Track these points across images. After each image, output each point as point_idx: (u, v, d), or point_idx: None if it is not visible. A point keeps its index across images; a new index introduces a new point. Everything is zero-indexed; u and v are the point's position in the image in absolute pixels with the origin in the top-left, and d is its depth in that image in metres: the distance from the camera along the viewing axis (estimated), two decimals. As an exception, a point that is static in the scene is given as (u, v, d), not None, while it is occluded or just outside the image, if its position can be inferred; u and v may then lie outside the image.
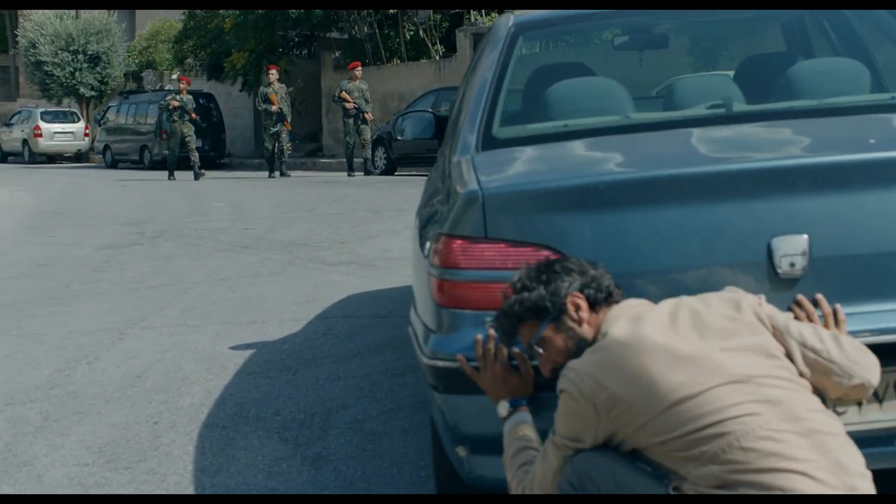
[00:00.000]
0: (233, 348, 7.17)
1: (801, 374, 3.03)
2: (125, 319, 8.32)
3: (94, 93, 43.16)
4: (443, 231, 3.56)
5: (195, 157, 25.79)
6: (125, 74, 44.07)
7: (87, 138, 42.43)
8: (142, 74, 42.73)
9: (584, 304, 3.21)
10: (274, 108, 24.86)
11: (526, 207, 3.45)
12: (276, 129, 25.07)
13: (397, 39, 30.47)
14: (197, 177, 25.24)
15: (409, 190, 17.40)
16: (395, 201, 15.90)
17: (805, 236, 3.30)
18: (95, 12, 43.53)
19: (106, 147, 36.92)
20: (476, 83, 4.37)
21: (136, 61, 43.22)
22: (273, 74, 25.35)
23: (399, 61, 29.50)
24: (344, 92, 23.70)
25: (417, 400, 5.74)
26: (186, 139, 25.90)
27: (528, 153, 3.94)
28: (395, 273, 9.56)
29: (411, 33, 31.04)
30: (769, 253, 3.33)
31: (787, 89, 4.34)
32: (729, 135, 3.90)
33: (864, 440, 3.34)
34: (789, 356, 3.04)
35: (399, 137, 6.16)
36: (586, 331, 3.19)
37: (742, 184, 3.37)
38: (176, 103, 26.14)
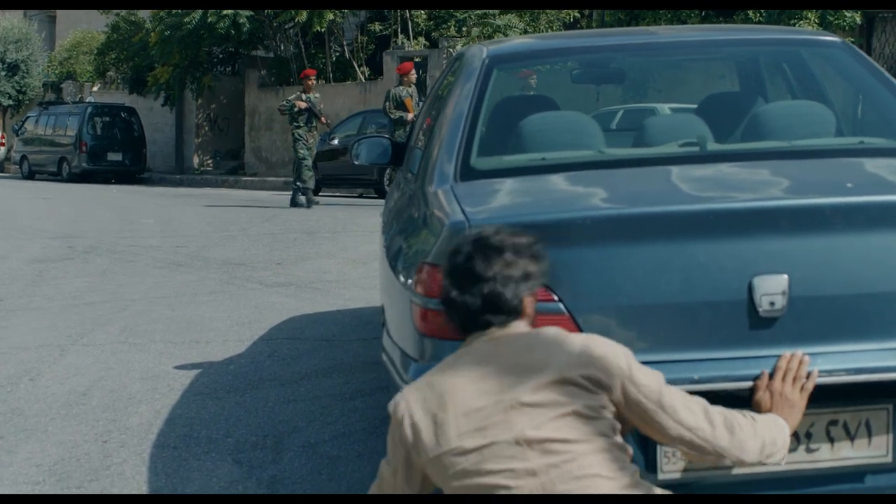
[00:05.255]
0: (178, 368, 7.13)
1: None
2: (65, 335, 8.24)
3: (11, 102, 42.55)
4: (427, 261, 3.59)
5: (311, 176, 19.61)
6: (44, 84, 43.50)
7: (2, 148, 41.84)
8: (61, 85, 42.20)
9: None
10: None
11: None
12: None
13: (323, 59, 30.45)
14: (310, 204, 19.25)
15: (339, 212, 17.42)
16: (327, 222, 15.89)
17: (785, 276, 3.38)
18: (14, 20, 42.94)
19: (23, 157, 36.42)
20: (451, 113, 4.41)
21: (56, 72, 42.67)
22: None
23: (324, 81, 29.49)
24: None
25: (371, 424, 5.76)
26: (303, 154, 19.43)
27: (510, 185, 3.99)
28: (334, 296, 9.57)
29: (337, 54, 31.05)
30: (750, 291, 3.41)
31: (757, 130, 4.44)
32: (708, 174, 3.98)
33: (834, 477, 3.45)
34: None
35: (356, 162, 6.18)
36: None
37: (725, 223, 3.45)
38: (303, 104, 19.46)
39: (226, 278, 10.84)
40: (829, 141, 4.35)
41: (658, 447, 3.40)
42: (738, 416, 3.17)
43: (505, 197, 3.94)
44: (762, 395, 3.35)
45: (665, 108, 7.93)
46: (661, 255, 3.44)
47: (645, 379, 3.09)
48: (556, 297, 3.45)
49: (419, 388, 3.15)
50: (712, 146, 4.34)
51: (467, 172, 4.09)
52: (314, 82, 20.14)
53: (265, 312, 8.95)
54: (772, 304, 3.40)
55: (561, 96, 5.29)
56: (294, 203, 19.25)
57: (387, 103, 18.27)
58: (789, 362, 3.39)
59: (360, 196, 19.25)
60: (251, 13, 28.96)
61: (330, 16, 28.10)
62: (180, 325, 8.61)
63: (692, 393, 3.17)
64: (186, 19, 29.36)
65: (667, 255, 3.44)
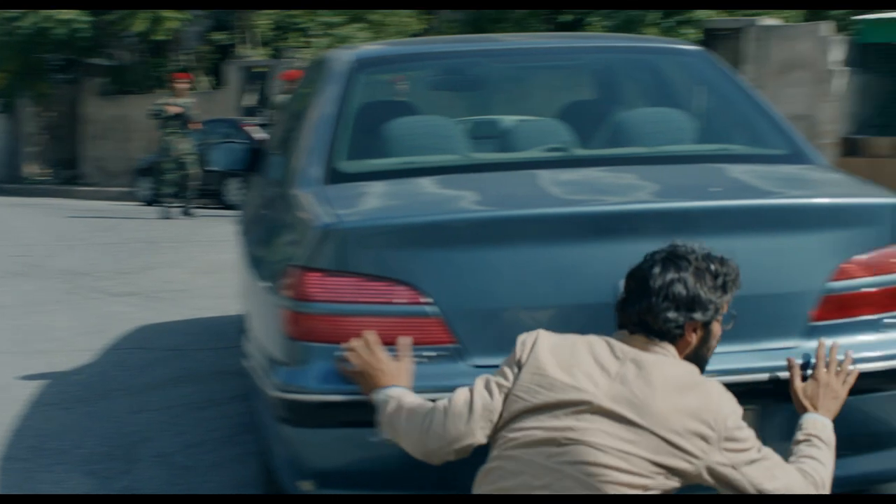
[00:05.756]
0: (23, 378, 6.91)
1: None
2: None
3: None
4: (297, 263, 3.54)
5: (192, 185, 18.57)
6: None
7: None
8: None
9: None
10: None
11: (384, 242, 3.48)
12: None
13: (165, 68, 29.98)
14: (188, 212, 18.28)
15: (181, 222, 17.12)
16: (170, 232, 15.59)
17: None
18: None
19: None
20: (317, 116, 4.36)
21: None
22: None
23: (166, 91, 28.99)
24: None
25: (224, 434, 5.67)
26: (183, 160, 18.28)
27: (379, 188, 3.96)
28: (182, 305, 9.39)
29: (179, 63, 30.60)
30: (617, 294, 3.43)
31: (619, 136, 4.49)
32: (577, 177, 4.01)
33: None
34: None
35: (212, 167, 6.08)
36: None
37: (594, 225, 3.49)
38: (176, 109, 18.23)
39: (69, 288, 10.55)
40: (692, 147, 4.42)
41: None
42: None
43: (375, 199, 3.92)
44: (807, 385, 3.33)
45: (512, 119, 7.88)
46: (532, 258, 3.46)
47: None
48: (429, 300, 3.44)
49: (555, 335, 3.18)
50: (578, 151, 4.38)
51: (335, 175, 4.05)
52: (186, 86, 19.35)
53: (111, 322, 8.73)
54: (638, 306, 3.43)
55: (431, 102, 5.34)
56: (164, 214, 17.99)
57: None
58: (831, 351, 3.38)
59: (204, 207, 18.93)
60: (91, 18, 28.36)
61: (171, 24, 27.69)
62: (24, 334, 8.37)
63: None
64: (21, 24, 28.60)
65: (538, 257, 3.46)
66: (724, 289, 3.14)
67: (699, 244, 3.18)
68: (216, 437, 5.65)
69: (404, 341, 3.41)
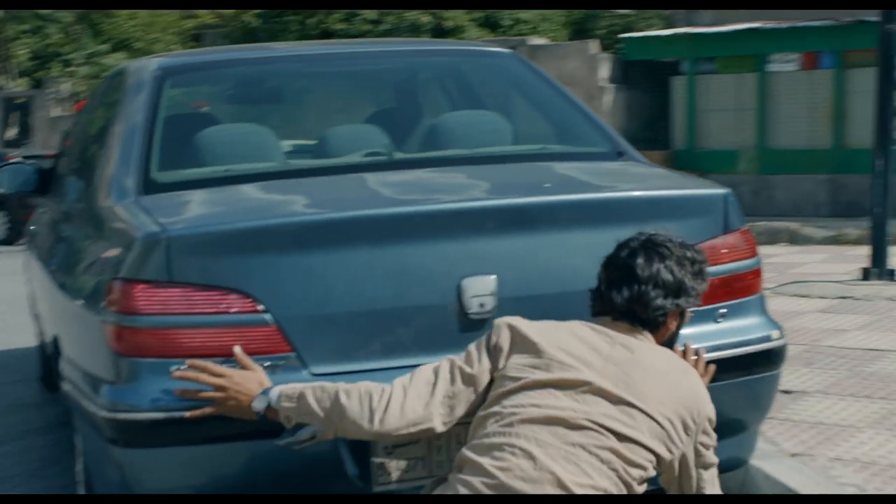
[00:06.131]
0: None
1: None
2: None
3: None
4: (120, 276, 3.36)
5: None
6: None
7: None
8: None
9: None
10: None
11: (213, 250, 3.34)
12: None
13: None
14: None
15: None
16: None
17: (493, 277, 3.38)
18: None
19: None
20: (124, 127, 4.18)
21: None
22: None
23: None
24: None
25: (28, 468, 5.38)
26: None
27: (201, 196, 3.80)
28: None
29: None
30: (459, 293, 3.39)
31: (436, 140, 4.44)
32: (404, 179, 3.94)
33: None
34: None
35: (1, 191, 5.78)
36: None
37: (431, 225, 3.43)
38: None
39: None
40: (513, 147, 4.41)
41: (372, 459, 3.30)
42: None
43: (199, 207, 3.76)
44: None
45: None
46: (367, 261, 3.37)
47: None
48: (262, 308, 3.31)
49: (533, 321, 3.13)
50: (399, 155, 4.32)
51: (150, 186, 3.88)
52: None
53: None
54: (481, 305, 3.39)
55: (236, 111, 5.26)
56: None
57: None
58: (690, 345, 3.37)
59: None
60: None
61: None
62: None
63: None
64: None
65: (375, 259, 3.38)
66: (701, 276, 3.17)
67: (667, 231, 3.21)
68: (21, 472, 5.36)
69: (238, 350, 3.26)
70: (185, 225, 3.49)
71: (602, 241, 3.33)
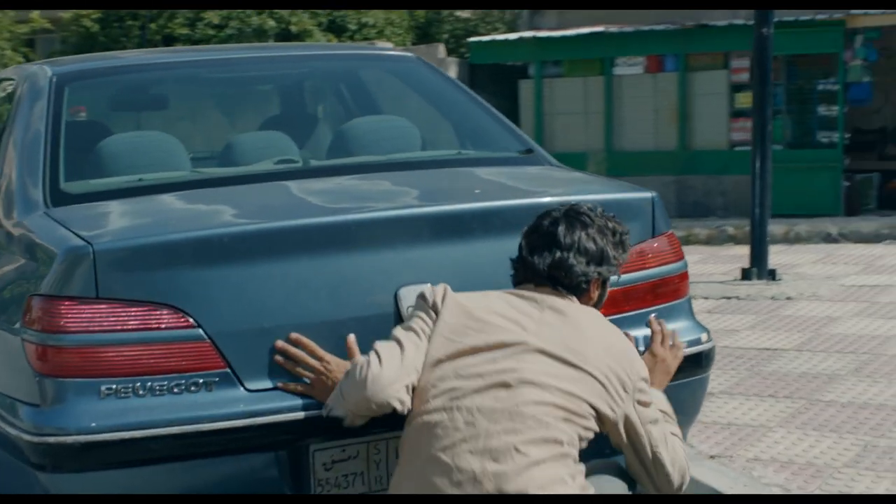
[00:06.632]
0: None
1: None
2: None
3: None
4: (41, 293, 3.20)
5: None
6: None
7: None
8: None
9: None
10: None
11: (141, 263, 3.22)
12: None
13: None
14: None
15: None
16: None
17: (429, 286, 3.32)
18: None
19: None
20: (23, 136, 3.98)
21: None
22: None
23: None
24: None
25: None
26: None
27: (118, 207, 3.65)
28: None
29: None
30: (396, 303, 3.33)
31: (345, 147, 4.35)
32: (328, 187, 3.85)
33: None
34: None
35: None
36: None
37: (367, 233, 3.37)
38: None
39: None
40: (431, 153, 4.35)
41: (311, 476, 3.21)
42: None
43: (120, 219, 3.61)
44: (644, 358, 3.27)
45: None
46: (304, 271, 3.30)
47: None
48: (194, 323, 3.20)
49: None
50: (315, 162, 4.23)
51: (60, 197, 3.71)
52: None
53: None
54: (419, 314, 3.32)
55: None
56: None
57: None
58: (663, 326, 3.41)
59: None
60: None
61: None
62: None
63: None
64: None
65: (310, 270, 3.30)
66: (622, 246, 3.20)
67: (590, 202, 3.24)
68: None
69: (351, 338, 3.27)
70: (111, 238, 3.34)
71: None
